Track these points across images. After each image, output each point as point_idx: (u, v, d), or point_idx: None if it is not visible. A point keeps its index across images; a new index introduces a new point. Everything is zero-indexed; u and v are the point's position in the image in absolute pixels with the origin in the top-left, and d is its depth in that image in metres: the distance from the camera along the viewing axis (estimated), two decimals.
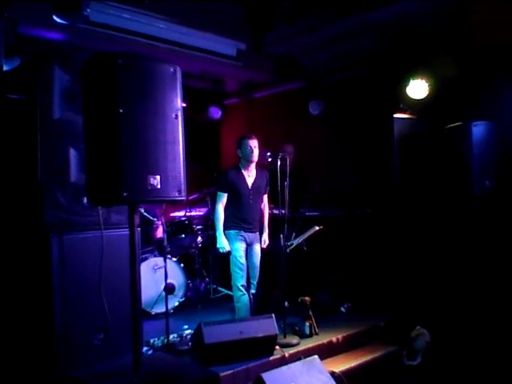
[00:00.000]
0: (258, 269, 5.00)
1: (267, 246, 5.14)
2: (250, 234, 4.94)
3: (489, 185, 4.99)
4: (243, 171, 4.95)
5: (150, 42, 5.26)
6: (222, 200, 4.90)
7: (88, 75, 2.92)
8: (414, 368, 4.86)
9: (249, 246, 4.95)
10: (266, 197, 5.16)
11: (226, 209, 4.91)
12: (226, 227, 4.90)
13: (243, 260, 4.86)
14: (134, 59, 2.83)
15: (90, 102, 2.91)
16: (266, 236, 5.15)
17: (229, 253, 4.88)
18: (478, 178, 4.96)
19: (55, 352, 3.29)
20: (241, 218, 4.89)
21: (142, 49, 5.22)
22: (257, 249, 5.00)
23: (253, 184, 4.95)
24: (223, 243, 4.86)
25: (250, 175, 4.97)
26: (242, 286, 4.83)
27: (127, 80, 2.78)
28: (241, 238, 4.89)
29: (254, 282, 4.98)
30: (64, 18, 4.16)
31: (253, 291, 4.97)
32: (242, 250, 4.87)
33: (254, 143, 4.87)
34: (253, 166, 4.97)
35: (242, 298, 4.83)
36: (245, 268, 4.87)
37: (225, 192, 4.90)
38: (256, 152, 4.87)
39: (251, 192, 4.93)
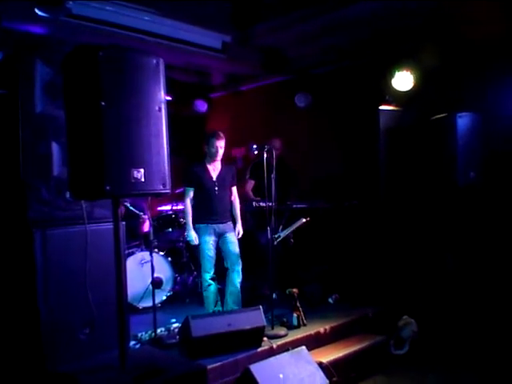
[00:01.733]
0: (238, 255, 5.04)
1: (241, 236, 5.20)
2: (219, 224, 5.02)
3: (473, 176, 5.03)
4: (207, 165, 5.07)
5: (134, 34, 5.20)
6: (189, 194, 5.02)
7: (69, 68, 2.90)
8: (402, 357, 4.91)
9: (221, 236, 5.03)
10: (235, 189, 5.27)
11: (194, 203, 5.04)
12: (195, 221, 5.02)
13: (211, 253, 4.96)
14: (115, 51, 2.82)
15: (71, 95, 2.89)
16: (239, 226, 5.23)
17: (199, 245, 4.99)
18: (463, 170, 5.00)
19: (41, 348, 3.28)
20: (208, 211, 4.99)
21: (127, 41, 5.17)
22: (231, 237, 5.06)
23: (217, 176, 5.07)
24: (192, 236, 4.97)
25: (215, 169, 5.09)
26: (210, 277, 4.95)
27: (109, 72, 2.76)
28: (210, 231, 4.98)
29: (238, 267, 5.00)
30: (46, 10, 4.11)
31: (239, 279, 4.99)
32: (210, 243, 4.96)
33: (220, 144, 4.99)
34: (218, 162, 5.09)
35: (209, 287, 4.97)
36: (212, 260, 4.97)
37: (190, 186, 5.02)
38: (221, 152, 5.02)
39: (216, 183, 5.03)
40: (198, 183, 5.01)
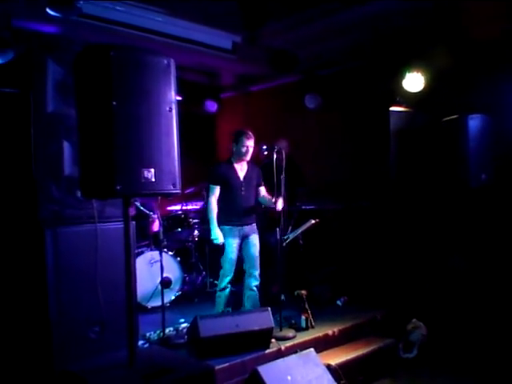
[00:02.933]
0: (258, 259, 4.95)
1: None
2: (244, 227, 4.91)
3: (485, 178, 4.98)
4: (234, 164, 4.96)
5: (144, 34, 5.23)
6: (215, 192, 4.88)
7: (81, 68, 2.90)
8: (411, 361, 4.88)
9: (245, 238, 4.92)
10: (263, 189, 5.12)
11: (219, 203, 4.90)
12: (220, 222, 4.88)
13: (234, 256, 4.85)
14: (126, 51, 2.82)
15: (83, 94, 2.89)
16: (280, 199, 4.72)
17: (223, 244, 4.87)
18: (474, 171, 4.96)
19: (51, 346, 3.29)
20: (233, 212, 4.87)
21: (137, 41, 5.19)
22: (254, 240, 4.96)
23: (244, 176, 4.95)
24: (217, 234, 4.83)
25: (242, 169, 4.98)
26: (229, 280, 4.87)
27: (120, 72, 2.76)
28: (234, 233, 4.87)
29: (256, 272, 4.92)
30: (57, 10, 4.14)
31: (256, 283, 4.91)
32: (234, 246, 4.85)
33: (250, 143, 4.87)
34: (245, 162, 4.99)
35: (225, 290, 4.89)
36: (234, 263, 4.87)
37: (216, 184, 4.89)
38: (251, 151, 4.90)
39: (243, 183, 4.92)
40: (225, 183, 4.89)
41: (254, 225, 5.02)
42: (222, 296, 4.92)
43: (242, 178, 4.94)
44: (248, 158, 4.92)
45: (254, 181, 5.03)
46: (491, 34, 5.02)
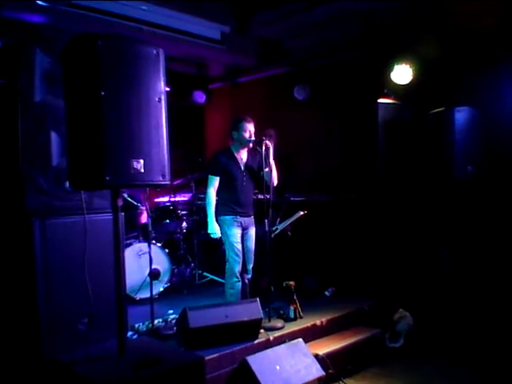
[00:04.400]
0: (253, 253, 4.93)
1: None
2: (245, 218, 4.83)
3: (471, 170, 5.04)
4: (235, 154, 4.83)
5: (133, 24, 5.17)
6: (214, 184, 4.74)
7: (68, 57, 2.87)
8: (397, 350, 4.94)
9: (244, 229, 4.85)
10: (274, 170, 4.73)
11: (218, 193, 4.77)
12: (220, 213, 4.78)
13: (240, 246, 4.77)
14: (115, 41, 2.80)
15: (71, 84, 2.87)
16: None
17: (220, 238, 4.77)
18: (461, 164, 5.02)
19: (39, 337, 3.28)
20: (235, 202, 4.76)
21: (125, 31, 5.13)
22: (252, 233, 4.91)
23: (245, 166, 4.85)
24: (215, 229, 4.73)
25: (243, 157, 4.86)
26: (239, 272, 4.75)
27: (109, 62, 2.74)
28: (237, 223, 4.77)
29: (250, 266, 4.89)
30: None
31: (249, 276, 4.90)
32: (238, 236, 4.76)
33: (252, 127, 4.75)
34: (245, 150, 4.87)
35: (237, 284, 4.74)
36: (241, 254, 4.78)
37: (217, 175, 4.75)
38: (253, 136, 4.75)
39: (244, 174, 4.82)
40: (226, 173, 4.74)
41: (252, 217, 4.95)
42: (236, 293, 4.74)
43: (243, 168, 4.83)
44: (251, 143, 4.74)
45: (255, 169, 4.90)
46: (480, 28, 5.06)
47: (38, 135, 3.33)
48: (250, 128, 4.74)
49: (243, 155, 4.87)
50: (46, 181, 3.34)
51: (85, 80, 2.74)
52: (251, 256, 4.91)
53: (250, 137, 4.73)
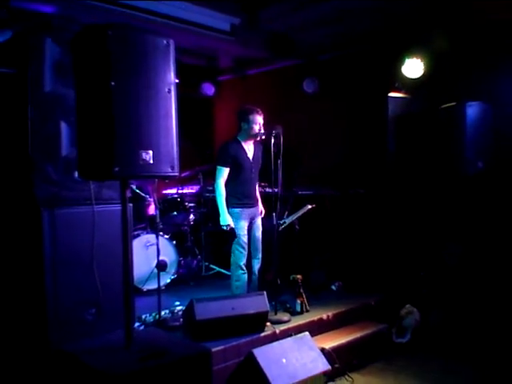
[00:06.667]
0: (261, 242, 4.94)
1: (263, 215, 5.06)
2: (252, 209, 4.84)
3: (482, 165, 5.00)
4: (243, 144, 4.79)
5: (142, 15, 5.15)
6: (223, 175, 4.67)
7: (79, 48, 2.87)
8: (404, 345, 4.93)
9: (252, 219, 4.85)
10: None
11: (226, 184, 4.71)
12: (228, 205, 4.71)
13: (246, 238, 4.77)
14: (125, 31, 2.79)
15: (81, 74, 2.86)
16: (261, 206, 5.05)
17: (232, 230, 4.71)
18: (471, 159, 4.98)
19: (47, 326, 3.30)
20: (243, 194, 4.75)
21: (135, 22, 5.11)
22: (259, 222, 4.93)
23: (253, 157, 4.83)
24: (228, 220, 4.65)
25: (249, 149, 4.83)
26: (244, 264, 4.76)
27: (119, 52, 2.73)
28: (244, 215, 4.76)
29: (260, 255, 4.90)
30: None
31: (258, 266, 4.90)
32: (245, 229, 4.76)
33: (261, 120, 4.71)
34: (251, 141, 4.84)
35: (242, 276, 4.76)
36: (247, 246, 4.78)
37: (227, 166, 4.67)
38: (262, 129, 4.73)
39: (253, 165, 4.81)
40: (236, 164, 4.68)
41: (257, 207, 4.97)
42: (242, 284, 4.76)
43: (251, 158, 4.80)
44: (260, 136, 4.71)
45: (260, 161, 4.92)
46: (492, 23, 5.00)
47: (48, 125, 3.33)
48: (259, 121, 4.71)
49: (250, 146, 4.85)
50: (55, 171, 3.34)
51: (95, 70, 2.74)
52: (259, 245, 4.92)
53: (260, 130, 4.70)
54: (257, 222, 4.92)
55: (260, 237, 4.94)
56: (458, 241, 5.26)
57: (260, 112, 4.74)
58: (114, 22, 2.78)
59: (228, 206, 4.73)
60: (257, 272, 4.93)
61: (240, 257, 4.75)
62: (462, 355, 4.68)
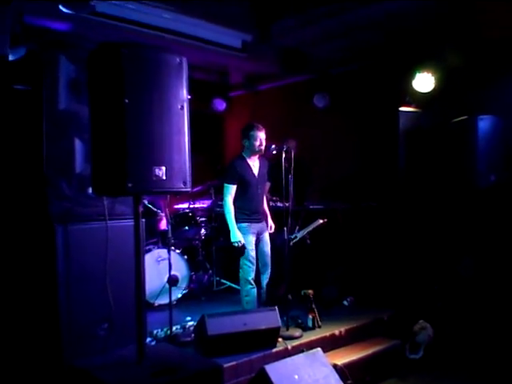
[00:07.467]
0: (270, 257, 4.96)
1: (274, 230, 5.10)
2: (259, 224, 4.89)
3: (494, 179, 4.97)
4: (248, 161, 4.87)
5: (155, 32, 5.24)
6: (231, 192, 4.76)
7: (93, 65, 2.91)
8: (417, 362, 4.87)
9: (259, 235, 4.89)
10: (267, 184, 5.16)
11: (234, 201, 4.79)
12: (236, 220, 4.78)
13: (254, 253, 4.80)
14: (139, 49, 2.82)
15: (95, 92, 2.90)
16: (270, 221, 5.11)
17: (243, 247, 4.74)
18: (484, 172, 4.95)
19: (60, 342, 3.31)
20: (250, 209, 4.81)
21: (148, 39, 5.20)
22: (266, 237, 4.96)
23: (258, 173, 4.89)
24: (238, 237, 4.71)
25: (255, 165, 4.90)
26: (252, 279, 4.79)
27: (133, 70, 2.76)
28: (252, 230, 4.81)
29: (268, 270, 4.92)
30: (70, 8, 4.15)
31: (266, 281, 4.91)
32: (253, 244, 4.80)
33: (263, 135, 4.78)
34: (256, 157, 4.91)
35: (252, 291, 4.78)
36: (255, 261, 4.81)
37: (234, 184, 4.76)
38: (264, 144, 4.79)
39: (258, 181, 4.87)
40: (242, 180, 4.77)
41: (265, 222, 5.01)
42: (252, 299, 4.77)
43: (256, 175, 4.87)
44: (263, 151, 4.79)
45: (266, 177, 5.00)
46: (502, 35, 5.00)
47: (62, 142, 3.37)
48: (260, 136, 4.78)
49: (255, 162, 4.92)
50: (69, 187, 3.37)
51: (109, 87, 2.77)
52: (268, 260, 4.94)
53: (261, 145, 4.77)
54: (264, 237, 4.95)
55: (269, 252, 4.95)
56: (471, 254, 5.21)
57: (260, 128, 4.81)
58: (128, 41, 2.83)
59: (236, 222, 4.78)
60: (265, 287, 4.93)
61: (248, 271, 4.77)
62: (476, 373, 4.61)
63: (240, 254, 4.79)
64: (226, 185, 4.81)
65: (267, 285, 4.97)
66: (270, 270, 4.94)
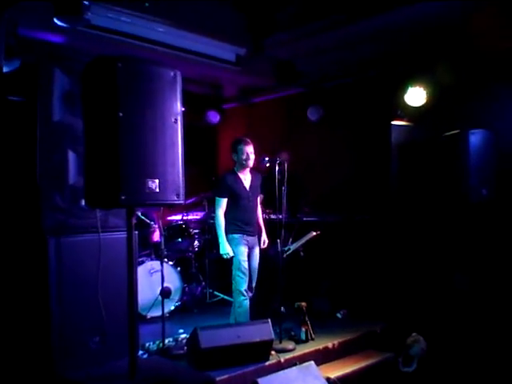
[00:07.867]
0: (257, 272, 4.99)
1: (267, 245, 5.14)
2: (251, 237, 4.93)
3: (486, 193, 5.00)
4: (239, 174, 4.94)
5: (149, 45, 5.26)
6: (222, 205, 4.83)
7: (88, 78, 2.93)
8: (410, 375, 4.86)
9: (250, 248, 4.92)
10: (260, 197, 5.17)
11: (226, 213, 4.86)
12: (228, 231, 4.84)
13: (246, 264, 4.82)
14: (134, 63, 2.86)
15: (89, 105, 2.92)
16: (265, 236, 5.16)
17: (232, 259, 4.80)
18: (475, 186, 4.98)
19: (51, 353, 3.29)
20: (243, 220, 4.86)
21: (142, 52, 5.22)
22: (257, 252, 4.99)
23: (250, 186, 4.95)
24: (227, 249, 4.77)
25: (246, 178, 4.96)
26: (245, 290, 4.80)
27: (127, 84, 2.79)
28: (244, 241, 4.84)
29: (253, 284, 4.96)
30: (65, 20, 4.16)
31: (251, 294, 4.92)
32: (245, 254, 4.83)
33: (250, 149, 4.87)
34: (247, 169, 4.98)
35: (244, 302, 4.79)
36: (247, 272, 4.83)
37: (224, 197, 4.85)
38: (252, 157, 4.88)
39: (250, 194, 4.92)
40: (232, 194, 4.84)
41: (257, 237, 5.03)
42: (244, 311, 4.78)
43: (248, 188, 4.93)
44: (251, 164, 4.89)
45: (258, 189, 5.05)
46: (494, 51, 5.07)
47: (56, 154, 3.39)
48: (247, 150, 4.85)
49: (246, 175, 4.98)
50: (62, 199, 3.38)
51: (104, 101, 2.80)
52: (254, 276, 4.98)
53: (248, 159, 4.85)
54: (255, 252, 4.97)
55: (256, 267, 4.99)
56: (463, 268, 5.23)
57: (248, 142, 4.89)
58: (122, 55, 2.86)
59: (228, 233, 4.83)
60: (249, 300, 4.91)
61: (241, 282, 4.79)
62: None
63: (231, 265, 4.84)
64: (216, 198, 4.91)
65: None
66: (255, 285, 4.97)
